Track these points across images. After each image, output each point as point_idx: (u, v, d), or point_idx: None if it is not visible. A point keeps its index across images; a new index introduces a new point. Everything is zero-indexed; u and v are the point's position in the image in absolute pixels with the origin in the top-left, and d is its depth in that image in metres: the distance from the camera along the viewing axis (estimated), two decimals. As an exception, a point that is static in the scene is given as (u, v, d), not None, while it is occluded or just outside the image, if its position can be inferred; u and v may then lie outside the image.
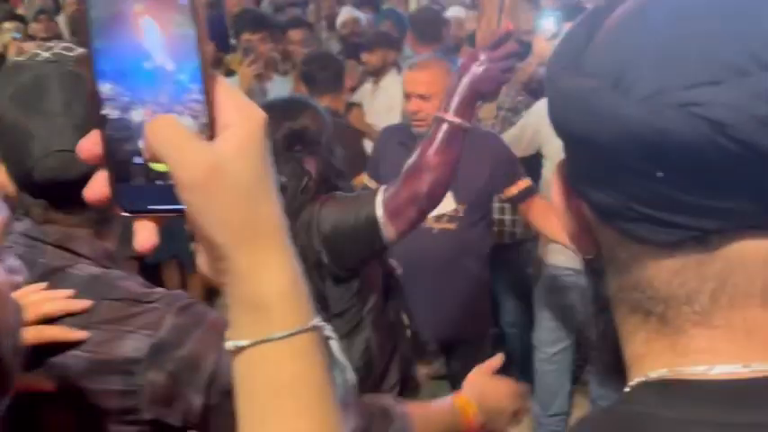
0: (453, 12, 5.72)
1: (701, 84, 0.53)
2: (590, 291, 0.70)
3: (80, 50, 1.28)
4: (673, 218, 0.56)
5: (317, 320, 0.66)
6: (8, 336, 0.88)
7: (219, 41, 5.18)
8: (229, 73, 4.82)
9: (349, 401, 1.23)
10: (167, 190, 0.61)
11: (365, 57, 4.81)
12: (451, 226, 3.03)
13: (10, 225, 1.27)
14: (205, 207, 0.61)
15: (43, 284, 1.24)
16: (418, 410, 1.57)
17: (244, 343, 0.64)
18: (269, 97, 4.40)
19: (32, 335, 1.17)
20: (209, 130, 0.61)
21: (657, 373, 0.61)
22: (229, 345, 0.65)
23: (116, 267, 1.32)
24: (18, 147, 1.24)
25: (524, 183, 3.05)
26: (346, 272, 2.25)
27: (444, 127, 2.02)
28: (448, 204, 3.03)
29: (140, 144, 0.61)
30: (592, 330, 0.84)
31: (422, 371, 3.39)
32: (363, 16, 6.11)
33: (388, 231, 2.09)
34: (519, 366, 4.06)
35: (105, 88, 0.60)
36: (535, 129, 3.43)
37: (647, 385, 0.61)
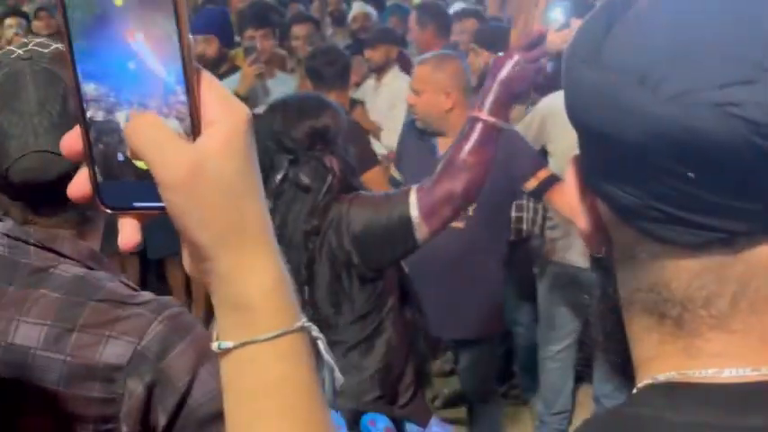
0: (457, 8, 5.71)
1: (733, 83, 0.52)
2: (597, 289, 0.69)
3: (55, 47, 1.26)
4: (700, 219, 0.55)
5: (303, 321, 0.65)
6: None
7: (224, 37, 5.15)
8: (234, 69, 4.81)
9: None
10: (151, 187, 0.60)
11: (368, 53, 4.80)
12: (460, 224, 3.02)
13: None
14: (187, 207, 0.59)
15: None
16: None
17: (229, 344, 0.63)
18: (272, 95, 4.39)
19: None
20: (194, 126, 0.59)
21: (666, 375, 0.60)
22: (215, 346, 0.64)
23: (100, 268, 1.29)
24: None
25: (544, 173, 2.99)
26: (374, 272, 2.26)
27: (479, 126, 2.03)
28: None
29: (123, 141, 0.60)
30: (598, 330, 0.82)
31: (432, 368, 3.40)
32: (374, 11, 6.10)
33: (422, 231, 2.11)
34: (523, 364, 4.05)
35: (89, 88, 0.59)
36: (540, 125, 3.41)
37: (655, 387, 0.60)
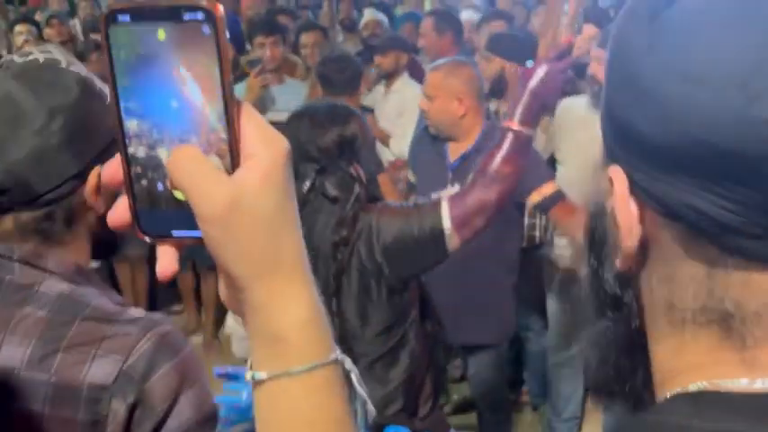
0: (466, 15, 5.72)
1: None
2: (594, 301, 0.67)
3: (33, 57, 1.26)
4: None
5: (336, 353, 0.65)
6: None
7: (235, 44, 5.18)
8: (244, 75, 4.82)
9: None
10: (189, 216, 0.61)
11: (378, 59, 4.81)
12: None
13: None
14: (224, 240, 0.60)
15: None
16: None
17: (263, 376, 0.64)
18: (280, 101, 4.40)
19: None
20: (233, 159, 0.60)
21: (696, 385, 0.60)
22: (248, 376, 0.65)
23: (87, 283, 1.27)
24: None
25: (548, 188, 2.94)
26: (403, 283, 2.25)
27: (510, 136, 2.04)
28: None
29: (163, 172, 0.62)
30: (597, 341, 0.79)
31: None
32: (385, 18, 6.11)
33: (453, 242, 2.11)
34: (533, 370, 4.05)
35: (131, 124, 0.61)
36: (551, 133, 3.42)
37: (683, 397, 0.60)
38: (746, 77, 0.53)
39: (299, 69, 5.05)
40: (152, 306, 5.18)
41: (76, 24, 7.34)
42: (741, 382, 0.58)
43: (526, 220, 3.50)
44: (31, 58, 1.26)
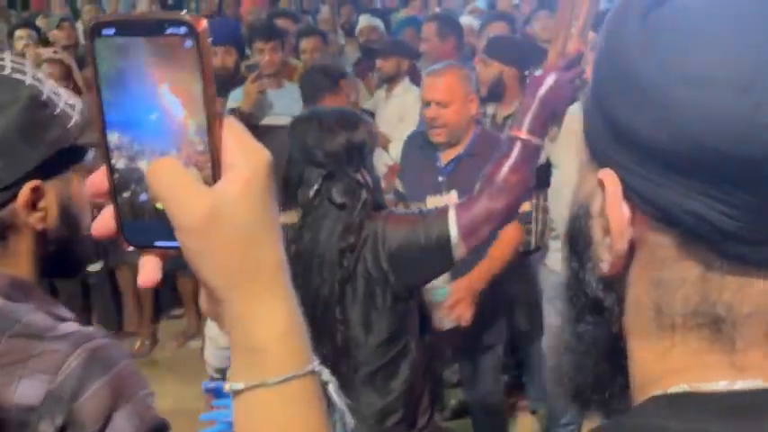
0: (466, 20, 5.72)
1: None
2: (574, 305, 0.67)
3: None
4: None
5: (313, 365, 0.65)
6: None
7: (238, 49, 5.20)
8: (243, 80, 4.83)
9: None
10: (171, 227, 0.62)
11: (379, 63, 4.82)
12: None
13: None
14: (202, 251, 0.61)
15: None
16: None
17: (240, 386, 0.64)
18: (277, 106, 4.41)
19: None
20: (214, 171, 0.61)
21: (677, 387, 0.59)
22: (227, 387, 0.65)
23: (25, 297, 1.20)
24: None
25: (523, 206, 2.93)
26: (408, 291, 2.25)
27: (518, 145, 2.03)
28: None
29: (145, 183, 0.62)
30: (573, 347, 0.77)
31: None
32: (381, 24, 6.11)
33: (460, 250, 2.10)
34: (531, 375, 4.04)
35: (114, 136, 0.62)
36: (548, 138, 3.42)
37: (663, 399, 0.60)
38: (749, 80, 0.53)
39: (298, 73, 5.05)
40: (155, 310, 5.20)
41: (79, 28, 7.37)
42: (720, 384, 0.58)
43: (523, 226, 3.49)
44: None
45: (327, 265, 2.18)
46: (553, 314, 3.54)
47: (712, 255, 0.57)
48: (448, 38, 4.81)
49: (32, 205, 1.20)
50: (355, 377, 2.22)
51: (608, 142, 0.60)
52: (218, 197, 0.60)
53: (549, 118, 2.02)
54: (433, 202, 3.05)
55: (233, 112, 4.28)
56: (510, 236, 3.06)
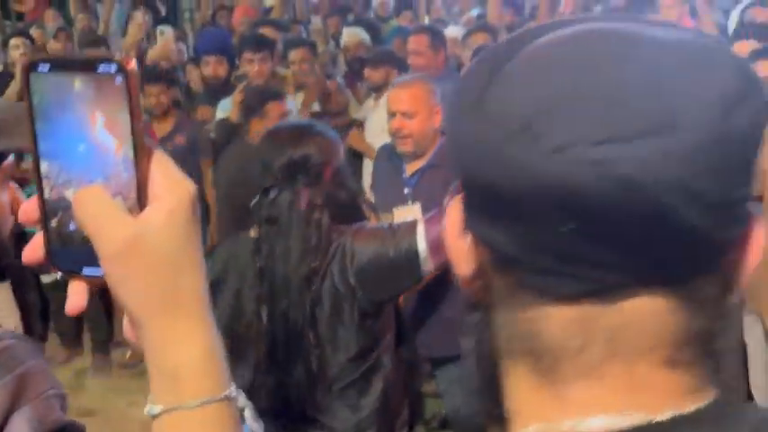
0: (452, 31, 5.73)
1: (610, 139, 0.52)
2: (474, 336, 0.66)
3: None
4: (576, 270, 0.55)
5: (230, 390, 0.67)
6: None
7: (226, 58, 5.24)
8: (233, 89, 4.85)
9: None
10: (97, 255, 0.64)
11: (368, 72, 4.83)
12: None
13: None
14: (122, 278, 0.64)
15: None
16: None
17: (157, 410, 0.66)
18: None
19: None
20: (140, 202, 0.64)
21: (534, 427, 0.59)
22: (146, 410, 0.67)
23: None
24: None
25: None
26: (376, 306, 2.21)
27: None
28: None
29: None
30: (477, 377, 0.75)
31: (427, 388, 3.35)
32: (367, 37, 6.09)
33: (428, 265, 2.09)
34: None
35: (45, 165, 0.65)
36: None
37: None
38: (527, 122, 0.54)
39: (288, 83, 5.08)
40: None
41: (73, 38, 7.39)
42: (573, 422, 0.58)
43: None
44: None
45: (294, 288, 2.15)
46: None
47: (519, 287, 0.58)
48: (440, 50, 4.83)
49: None
50: (327, 396, 2.20)
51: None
52: (140, 226, 0.63)
53: None
54: (399, 213, 3.06)
55: (222, 122, 4.30)
56: None
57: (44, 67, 0.63)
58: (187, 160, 4.10)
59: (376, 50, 5.43)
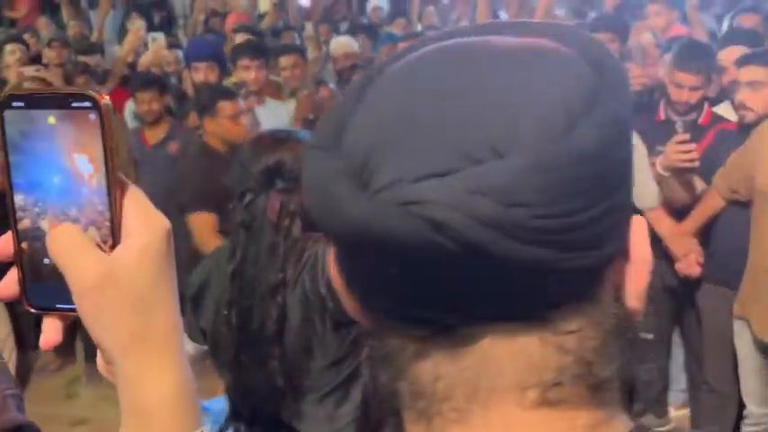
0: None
1: (428, 175, 0.50)
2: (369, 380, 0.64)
3: None
4: (417, 313, 0.53)
5: (202, 429, 0.67)
6: None
7: (217, 64, 5.25)
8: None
9: None
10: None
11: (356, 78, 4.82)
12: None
13: None
14: (95, 314, 0.64)
15: None
16: None
17: None
18: (262, 122, 4.44)
19: None
20: (114, 238, 0.64)
21: None
22: None
23: None
24: None
25: None
26: (348, 316, 2.16)
27: None
28: None
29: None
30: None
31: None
32: (357, 44, 6.10)
33: None
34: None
35: (19, 198, 0.65)
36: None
37: None
38: (365, 160, 0.52)
39: (281, 90, 5.09)
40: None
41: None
42: None
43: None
44: None
45: (259, 296, 2.14)
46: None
47: (382, 327, 0.57)
48: None
49: None
50: (303, 404, 2.18)
51: None
52: (113, 263, 0.63)
53: None
54: None
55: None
56: None
57: (19, 103, 0.64)
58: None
59: (367, 58, 5.44)
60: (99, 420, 4.31)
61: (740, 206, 3.31)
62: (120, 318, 0.63)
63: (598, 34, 4.54)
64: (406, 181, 0.50)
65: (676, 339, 3.91)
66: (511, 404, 0.54)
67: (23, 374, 3.85)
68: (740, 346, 3.36)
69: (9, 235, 0.67)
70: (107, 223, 0.64)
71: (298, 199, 2.13)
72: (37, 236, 0.65)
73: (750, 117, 3.40)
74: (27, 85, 4.50)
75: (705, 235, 3.53)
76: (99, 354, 0.68)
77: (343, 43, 6.02)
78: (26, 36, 7.14)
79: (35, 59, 6.22)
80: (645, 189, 3.44)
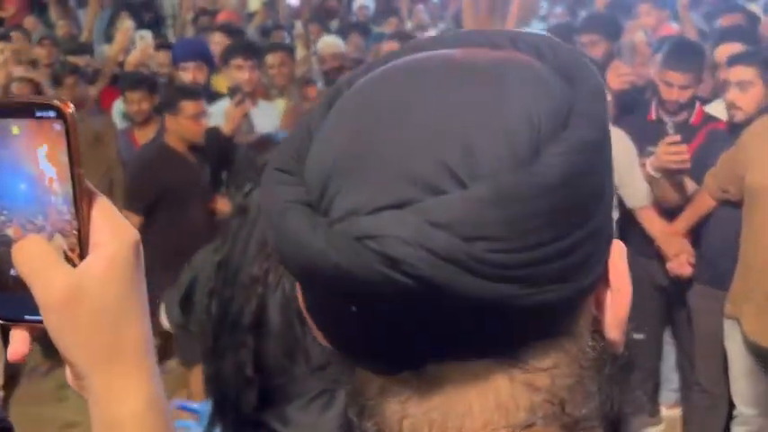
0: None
1: (385, 206, 0.47)
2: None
3: None
4: (382, 350, 0.51)
5: None
6: None
7: (207, 63, 5.23)
8: (214, 96, 4.84)
9: None
10: None
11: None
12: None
13: None
14: (63, 328, 0.62)
15: None
16: None
17: None
18: (254, 124, 4.43)
19: None
20: (82, 249, 0.63)
21: None
22: None
23: None
24: None
25: None
26: None
27: None
28: None
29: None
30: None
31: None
32: (344, 44, 6.08)
33: None
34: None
35: None
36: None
37: None
38: (324, 188, 0.50)
39: (269, 90, 5.07)
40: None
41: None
42: None
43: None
44: None
45: (241, 286, 2.14)
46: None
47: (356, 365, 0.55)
48: None
49: None
50: (288, 410, 2.18)
51: None
52: (80, 276, 0.61)
53: None
54: None
55: (212, 130, 4.25)
56: None
57: None
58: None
59: (354, 59, 5.42)
60: (88, 424, 4.24)
61: (731, 206, 3.31)
62: (88, 334, 0.62)
63: (588, 34, 4.54)
64: (362, 213, 0.47)
65: (668, 339, 3.92)
66: None
67: (13, 377, 3.83)
68: (730, 347, 3.36)
69: None
70: (74, 232, 0.63)
71: None
72: (3, 241, 0.64)
73: (740, 116, 3.41)
74: (15, 85, 4.48)
75: (696, 235, 3.53)
76: (67, 368, 0.66)
77: (330, 43, 5.96)
78: (15, 34, 7.09)
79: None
80: (635, 188, 3.44)
